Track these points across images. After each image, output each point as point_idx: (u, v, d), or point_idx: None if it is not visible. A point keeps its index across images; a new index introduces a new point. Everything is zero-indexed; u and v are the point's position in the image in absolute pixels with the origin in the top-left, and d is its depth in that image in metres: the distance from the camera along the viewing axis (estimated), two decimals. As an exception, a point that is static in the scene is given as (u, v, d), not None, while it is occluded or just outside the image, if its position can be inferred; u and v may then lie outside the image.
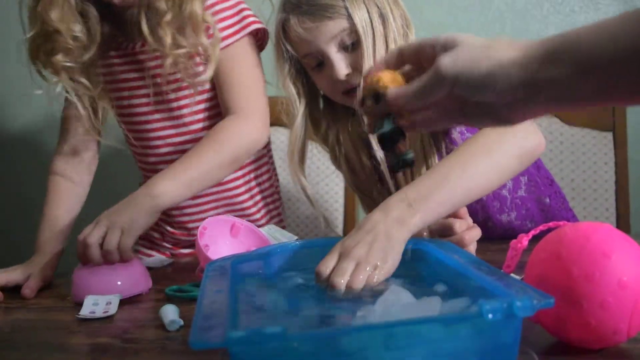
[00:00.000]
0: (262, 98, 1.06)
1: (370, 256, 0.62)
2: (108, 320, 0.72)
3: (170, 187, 0.93)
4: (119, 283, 0.81)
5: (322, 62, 0.95)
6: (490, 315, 0.43)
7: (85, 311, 0.73)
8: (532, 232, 0.61)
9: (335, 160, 1.11)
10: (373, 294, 0.58)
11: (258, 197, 1.18)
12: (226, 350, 0.41)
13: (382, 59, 0.59)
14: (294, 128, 1.01)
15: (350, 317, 0.54)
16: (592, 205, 1.31)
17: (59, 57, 0.97)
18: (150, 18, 0.95)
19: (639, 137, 1.43)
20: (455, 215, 0.77)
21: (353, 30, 0.91)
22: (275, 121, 1.51)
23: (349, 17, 0.91)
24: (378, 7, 0.93)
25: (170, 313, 0.68)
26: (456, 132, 0.99)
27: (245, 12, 1.04)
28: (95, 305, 0.74)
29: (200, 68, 1.01)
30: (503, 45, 0.48)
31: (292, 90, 0.99)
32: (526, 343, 0.48)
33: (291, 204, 1.50)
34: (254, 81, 1.05)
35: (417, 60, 0.56)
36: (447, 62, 0.49)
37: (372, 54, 0.91)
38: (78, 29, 0.96)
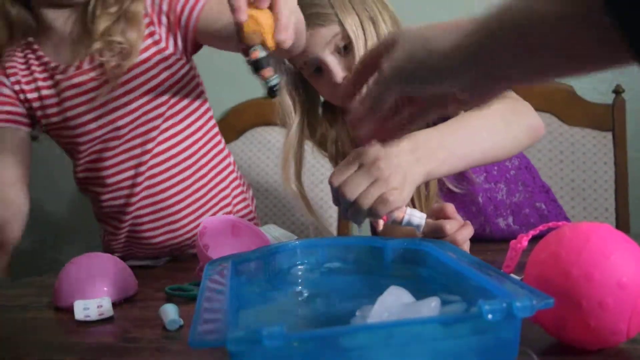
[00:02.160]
0: None
1: (392, 177, 0.60)
2: (108, 320, 0.72)
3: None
4: (105, 289, 0.79)
5: (320, 68, 0.95)
6: (489, 316, 0.43)
7: (79, 316, 0.73)
8: (532, 233, 0.62)
9: (334, 163, 1.11)
10: (373, 293, 0.58)
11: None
12: (226, 350, 0.41)
13: (347, 80, 0.60)
14: (288, 139, 1.01)
15: (350, 316, 0.54)
16: (591, 205, 1.31)
17: None
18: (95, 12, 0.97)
19: (638, 137, 1.43)
20: (444, 215, 0.77)
21: (345, 35, 0.93)
22: (270, 120, 1.51)
23: (340, 23, 0.93)
24: (367, 11, 0.95)
25: (170, 312, 0.68)
26: None
27: None
28: (87, 309, 0.74)
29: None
30: (439, 33, 0.47)
31: (288, 101, 1.00)
32: (525, 343, 0.48)
33: (286, 202, 1.50)
34: None
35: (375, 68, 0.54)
36: (386, 65, 0.48)
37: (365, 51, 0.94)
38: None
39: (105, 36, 0.97)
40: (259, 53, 0.61)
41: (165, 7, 1.01)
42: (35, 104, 1.04)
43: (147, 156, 1.04)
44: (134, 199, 1.06)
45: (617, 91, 1.33)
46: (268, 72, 0.62)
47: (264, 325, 0.41)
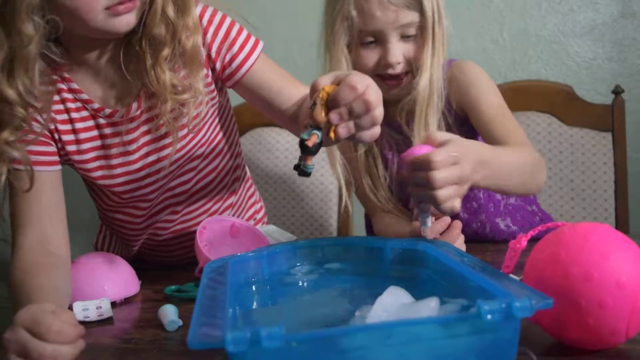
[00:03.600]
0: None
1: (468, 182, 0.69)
2: (107, 321, 0.72)
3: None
4: (106, 288, 0.79)
5: (375, 41, 0.97)
6: (489, 316, 0.43)
7: (79, 317, 0.72)
8: (531, 233, 0.61)
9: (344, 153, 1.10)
10: (372, 293, 0.58)
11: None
12: (225, 351, 0.41)
13: None
14: None
15: (349, 317, 0.54)
16: (591, 205, 1.31)
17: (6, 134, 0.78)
18: (145, 55, 0.82)
19: (637, 137, 1.43)
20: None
21: (419, 25, 0.96)
22: (270, 121, 1.51)
23: (421, 13, 0.96)
24: (438, 7, 0.98)
25: (169, 313, 0.68)
26: None
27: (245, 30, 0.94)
28: (86, 310, 0.73)
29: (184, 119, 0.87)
30: None
31: (344, 63, 1.00)
32: (525, 343, 0.48)
33: (286, 203, 1.50)
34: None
35: None
36: None
37: (432, 49, 0.97)
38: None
39: (172, 93, 0.83)
40: (316, 139, 0.63)
41: (213, 53, 0.89)
42: (71, 147, 0.88)
43: (184, 196, 0.98)
44: (164, 232, 1.01)
45: (617, 91, 1.33)
46: (312, 159, 0.65)
47: (263, 325, 0.41)
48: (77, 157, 0.89)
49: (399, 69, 0.97)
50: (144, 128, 0.89)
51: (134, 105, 0.87)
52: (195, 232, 0.89)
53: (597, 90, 1.47)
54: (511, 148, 0.88)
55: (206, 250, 0.84)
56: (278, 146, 1.51)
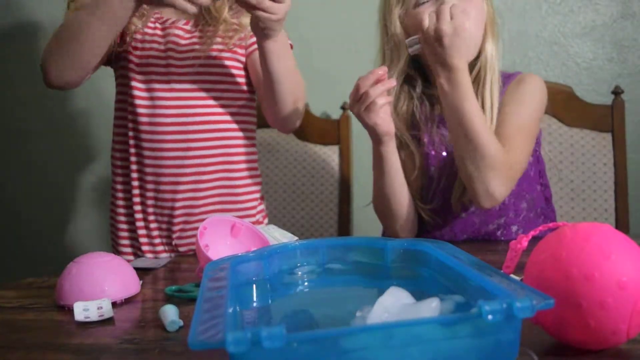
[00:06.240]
0: None
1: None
2: (108, 321, 0.72)
3: None
4: (106, 288, 0.79)
5: (429, 1, 1.01)
6: (489, 316, 0.43)
7: (79, 317, 0.73)
8: (532, 233, 0.61)
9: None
10: (373, 294, 0.58)
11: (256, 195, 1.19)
12: (225, 351, 0.41)
13: None
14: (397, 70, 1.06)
15: (350, 317, 0.54)
16: (591, 205, 1.31)
17: None
18: None
19: (637, 138, 1.44)
20: None
21: None
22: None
23: None
24: None
25: (170, 313, 0.68)
26: None
27: None
28: (86, 310, 0.73)
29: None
30: None
31: (399, 29, 1.04)
32: (526, 344, 0.48)
33: (286, 204, 1.50)
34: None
35: None
36: None
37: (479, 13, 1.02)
38: None
39: (228, 22, 1.09)
40: None
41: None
42: (137, 36, 1.11)
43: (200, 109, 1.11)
44: (174, 170, 1.11)
45: (616, 92, 1.33)
46: None
47: (263, 326, 0.41)
48: (139, 45, 1.11)
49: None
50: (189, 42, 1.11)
51: (192, 21, 1.12)
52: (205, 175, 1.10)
53: (597, 90, 1.47)
54: (486, 126, 0.93)
55: (207, 250, 0.84)
56: (278, 147, 1.52)
